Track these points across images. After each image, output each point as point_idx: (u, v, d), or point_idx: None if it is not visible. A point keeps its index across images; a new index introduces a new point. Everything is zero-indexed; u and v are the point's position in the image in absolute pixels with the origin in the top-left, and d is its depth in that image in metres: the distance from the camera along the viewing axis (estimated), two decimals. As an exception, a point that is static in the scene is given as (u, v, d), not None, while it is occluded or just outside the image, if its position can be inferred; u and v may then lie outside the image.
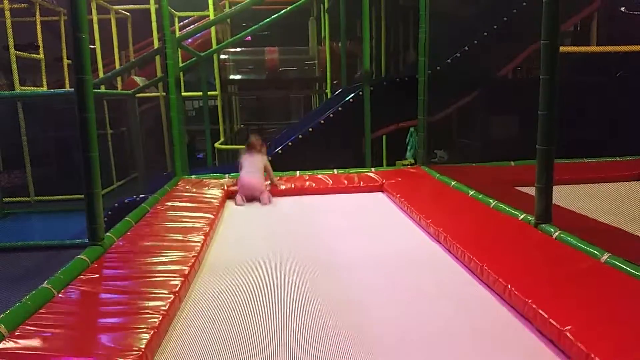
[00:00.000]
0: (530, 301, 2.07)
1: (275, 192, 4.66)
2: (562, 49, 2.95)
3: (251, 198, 4.50)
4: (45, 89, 8.11)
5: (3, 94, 7.59)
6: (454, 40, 6.98)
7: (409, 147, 7.70)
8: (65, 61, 8.85)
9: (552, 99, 2.87)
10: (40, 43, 8.06)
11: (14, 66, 7.28)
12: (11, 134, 8.39)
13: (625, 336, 1.77)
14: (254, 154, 4.62)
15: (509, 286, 2.25)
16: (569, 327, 1.83)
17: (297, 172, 4.95)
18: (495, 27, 6.86)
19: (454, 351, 1.90)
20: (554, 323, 1.88)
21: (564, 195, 3.38)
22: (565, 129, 3.72)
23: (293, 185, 4.73)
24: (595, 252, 2.53)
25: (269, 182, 4.67)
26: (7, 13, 7.36)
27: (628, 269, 2.32)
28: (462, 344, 1.95)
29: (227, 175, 4.98)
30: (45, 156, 8.91)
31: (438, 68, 6.42)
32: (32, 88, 8.41)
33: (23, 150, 8.16)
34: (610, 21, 7.38)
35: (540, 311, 1.99)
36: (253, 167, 4.54)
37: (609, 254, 2.46)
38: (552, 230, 2.90)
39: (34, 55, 7.97)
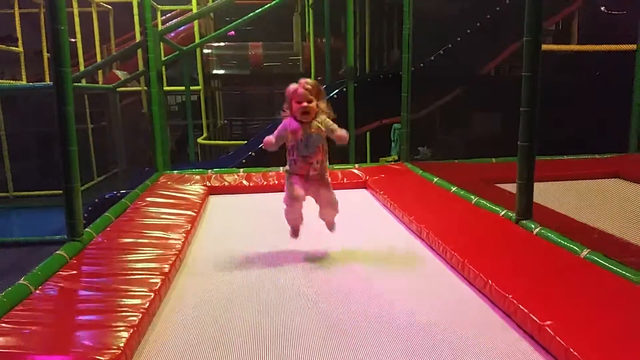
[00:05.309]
0: (510, 296, 2.09)
1: (258, 189, 4.64)
2: (543, 47, 2.98)
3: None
4: (24, 82, 7.97)
5: (-20, 88, 7.44)
6: (438, 37, 7.01)
7: (394, 144, 7.71)
8: (45, 54, 8.70)
9: (534, 96, 2.89)
10: (19, 35, 7.93)
11: (-8, 59, 7.16)
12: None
13: (605, 331, 1.79)
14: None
15: (490, 282, 2.26)
16: (549, 322, 1.84)
17: (281, 167, 4.92)
18: (478, 24, 6.92)
19: (435, 346, 1.91)
20: (534, 318, 1.90)
21: (544, 192, 3.41)
22: (546, 127, 3.77)
23: (275, 182, 4.70)
24: (576, 247, 2.56)
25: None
26: (-15, 4, 7.22)
27: (607, 264, 2.35)
28: (443, 339, 1.96)
29: (209, 170, 4.94)
30: (25, 151, 8.75)
31: (422, 65, 6.45)
32: (11, 81, 8.26)
33: (1, 145, 8.00)
34: (591, 20, 7.50)
35: (520, 306, 2.00)
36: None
37: (589, 250, 2.49)
38: (533, 226, 2.93)
39: (13, 48, 7.83)
